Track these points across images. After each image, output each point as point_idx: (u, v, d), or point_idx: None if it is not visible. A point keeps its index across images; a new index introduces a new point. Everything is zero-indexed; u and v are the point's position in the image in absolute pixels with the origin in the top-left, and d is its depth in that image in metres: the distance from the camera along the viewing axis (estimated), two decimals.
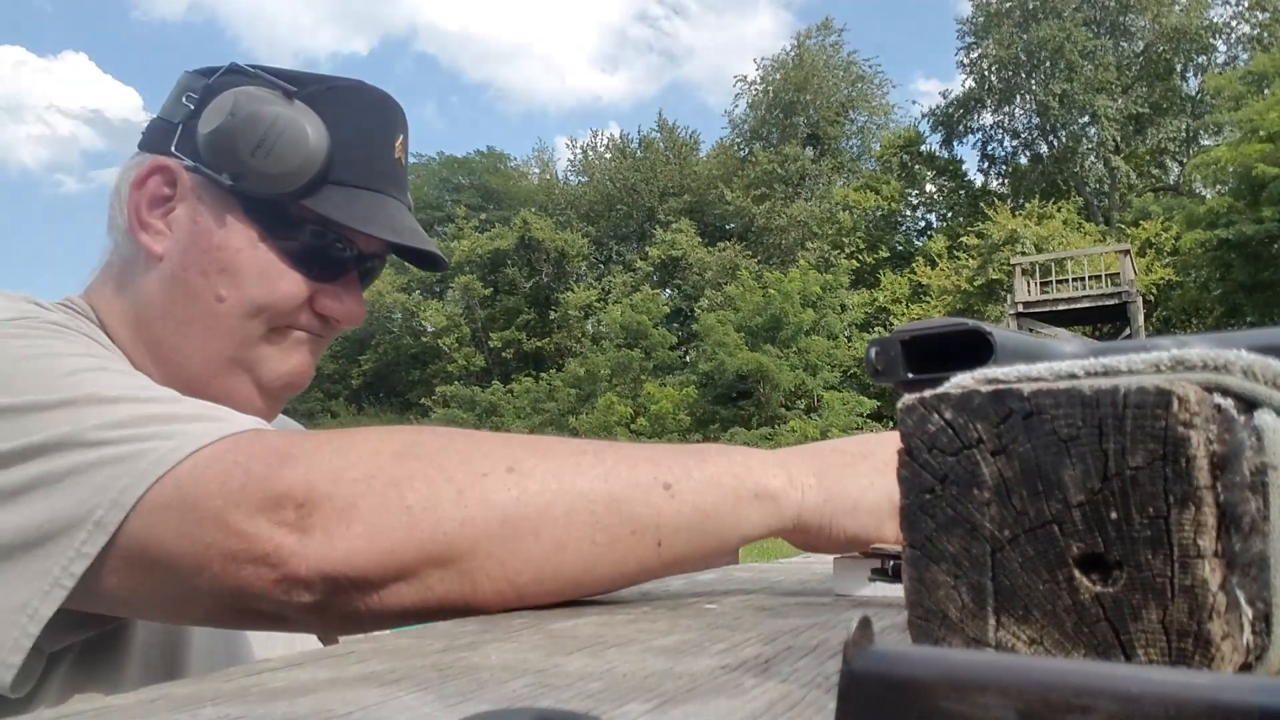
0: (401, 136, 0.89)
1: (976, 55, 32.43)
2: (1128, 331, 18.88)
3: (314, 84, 0.83)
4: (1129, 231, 25.12)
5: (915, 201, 33.67)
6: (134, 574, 0.56)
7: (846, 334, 25.73)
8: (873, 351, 0.43)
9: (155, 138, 0.84)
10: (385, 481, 0.55)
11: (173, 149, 0.82)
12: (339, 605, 0.55)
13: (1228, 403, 0.28)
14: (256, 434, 0.58)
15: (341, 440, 0.58)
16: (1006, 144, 33.65)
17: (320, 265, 0.84)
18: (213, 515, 0.54)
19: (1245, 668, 0.27)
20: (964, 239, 26.72)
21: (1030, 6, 30.49)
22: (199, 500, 0.55)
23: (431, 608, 0.55)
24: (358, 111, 0.85)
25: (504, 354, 32.24)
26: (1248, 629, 0.27)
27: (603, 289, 32.45)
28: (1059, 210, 26.28)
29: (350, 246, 0.85)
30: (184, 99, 0.83)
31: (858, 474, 0.64)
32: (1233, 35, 30.49)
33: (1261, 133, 19.93)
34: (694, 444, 0.65)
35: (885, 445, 0.67)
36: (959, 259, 26.56)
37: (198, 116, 0.81)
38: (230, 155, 0.79)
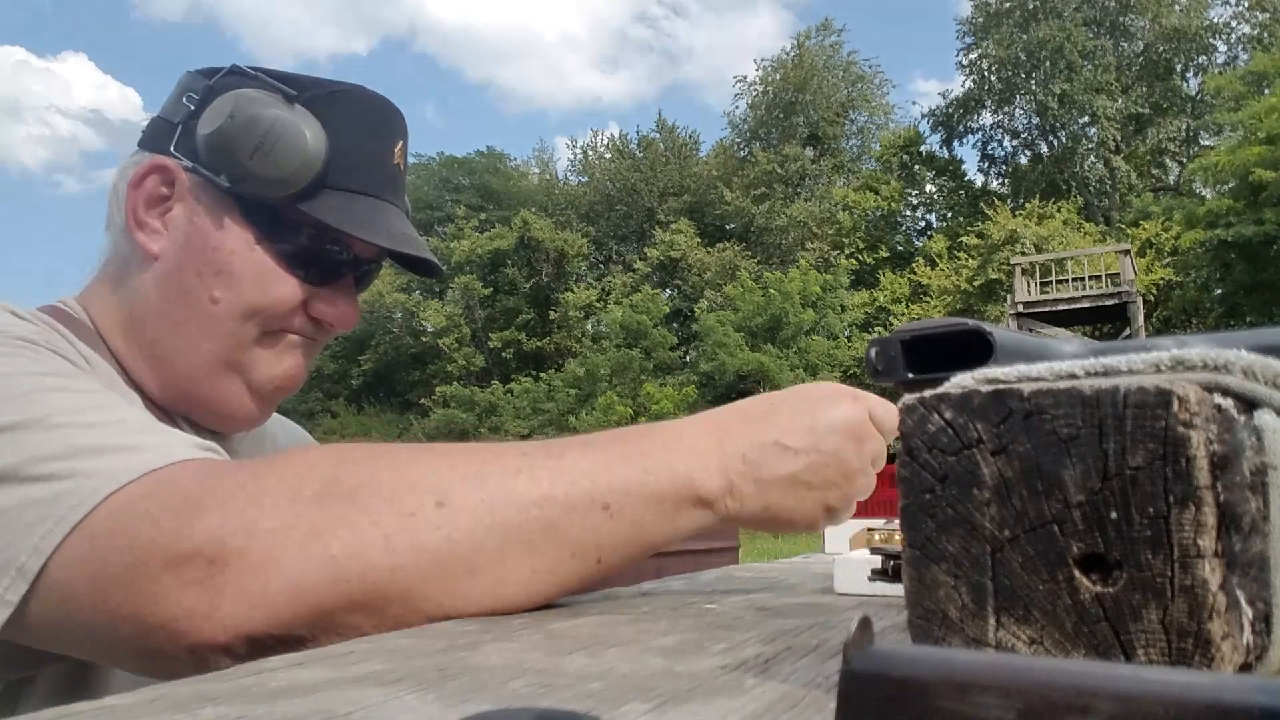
0: (401, 142, 0.89)
1: (976, 56, 32.42)
2: (1128, 331, 18.88)
3: (315, 88, 0.83)
4: (1129, 231, 25.10)
5: (915, 201, 33.66)
6: (57, 624, 0.54)
7: (846, 334, 25.72)
8: (873, 351, 0.43)
9: (154, 137, 0.84)
10: (306, 530, 0.52)
11: (172, 149, 0.82)
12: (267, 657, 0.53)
13: (1228, 403, 0.28)
14: (174, 474, 0.55)
15: (257, 484, 0.54)
16: (1006, 144, 33.68)
17: (316, 269, 0.84)
18: (122, 574, 0.52)
19: (1245, 668, 0.27)
20: (964, 239, 26.71)
21: (1030, 7, 30.48)
22: (109, 555, 0.52)
23: None
24: (358, 117, 0.85)
25: (504, 354, 32.24)
26: (1248, 629, 0.27)
27: (602, 289, 32.45)
28: (1059, 210, 26.27)
29: (346, 251, 0.85)
30: (184, 99, 0.83)
31: (795, 482, 0.64)
32: (1232, 35, 30.49)
33: (1260, 134, 19.93)
34: (638, 437, 0.62)
35: (827, 437, 0.65)
36: (959, 259, 26.56)
37: (198, 117, 0.81)
38: (229, 157, 0.79)
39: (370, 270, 0.90)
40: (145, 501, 0.53)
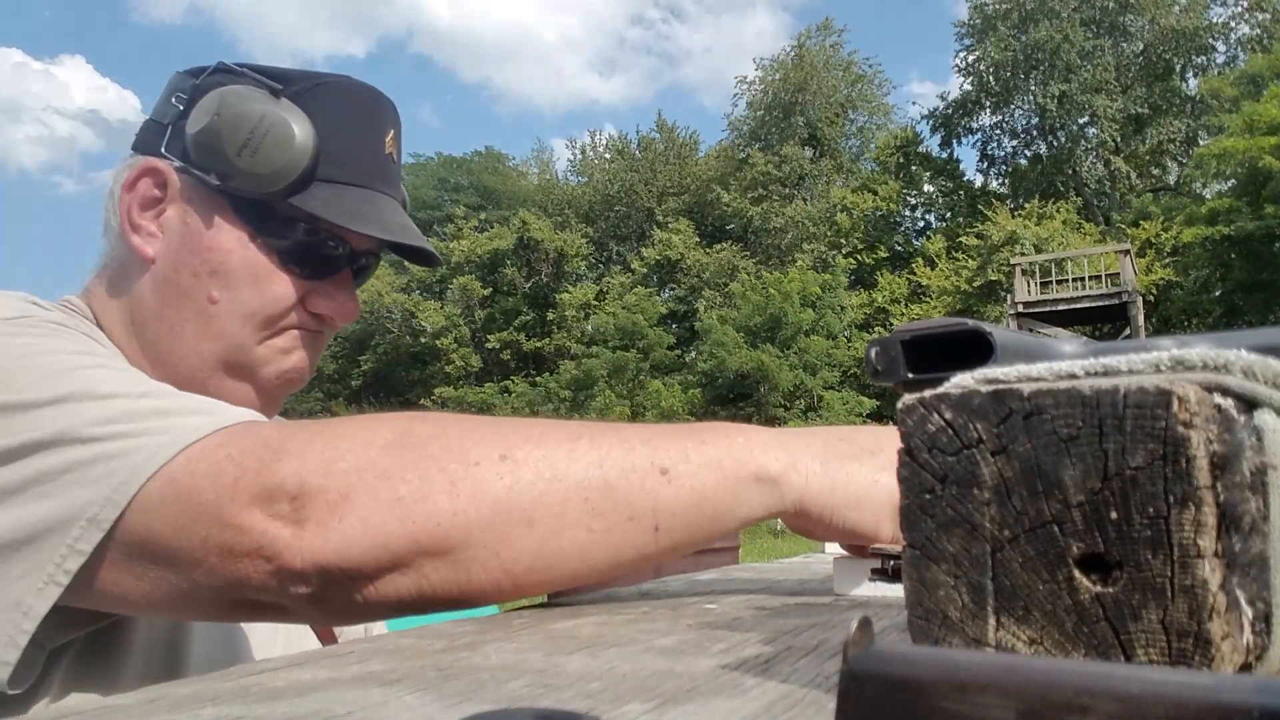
0: (392, 131, 0.89)
1: (974, 58, 32.37)
2: (1128, 331, 18.87)
3: (301, 81, 0.83)
4: (1129, 232, 25.09)
5: (914, 202, 33.61)
6: (131, 569, 0.56)
7: (846, 334, 25.72)
8: (873, 351, 0.43)
9: (146, 139, 0.84)
10: (377, 473, 0.54)
11: (162, 150, 0.82)
12: (335, 597, 0.55)
13: (1228, 403, 0.28)
14: (249, 426, 0.58)
15: (334, 431, 0.57)
16: (1005, 144, 33.64)
17: (312, 264, 0.84)
18: (207, 509, 0.54)
19: (1245, 668, 0.27)
20: (963, 239, 26.69)
21: (1028, 8, 30.43)
22: (193, 494, 0.54)
23: (428, 598, 0.55)
24: (345, 107, 0.85)
25: (501, 355, 32.21)
26: (1248, 629, 0.27)
27: (601, 289, 32.41)
28: (1059, 211, 26.24)
29: (341, 244, 0.85)
30: (173, 99, 0.83)
31: (864, 468, 0.62)
32: (1232, 36, 30.47)
33: (1261, 127, 19.94)
34: (697, 424, 0.63)
35: (890, 442, 0.65)
36: (958, 259, 26.54)
37: (186, 117, 0.81)
38: (217, 155, 0.79)
39: (368, 262, 0.90)
40: (225, 448, 0.56)
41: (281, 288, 0.83)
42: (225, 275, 0.81)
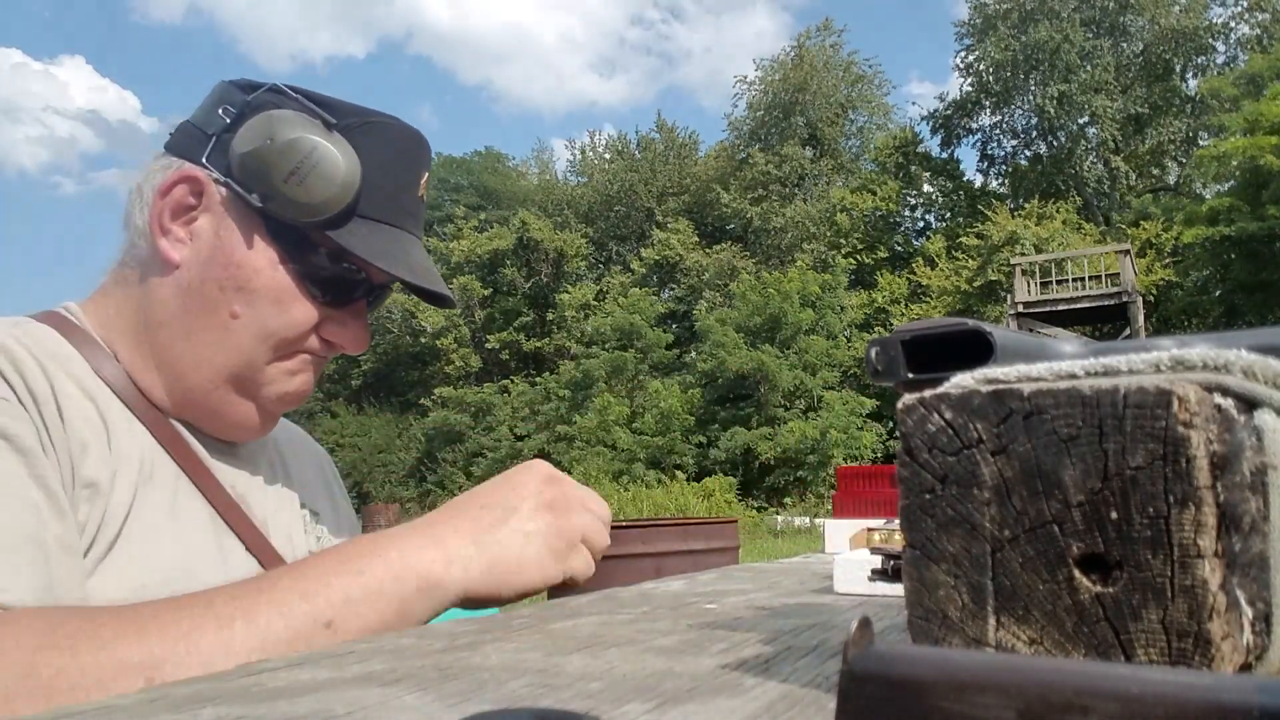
0: (426, 175, 0.91)
1: (974, 58, 32.36)
2: (1128, 331, 18.87)
3: (352, 116, 0.84)
4: (1129, 232, 25.08)
5: (914, 202, 33.58)
6: None
7: (846, 334, 25.71)
8: (873, 351, 0.43)
9: (185, 144, 0.84)
10: None
11: (204, 160, 0.82)
12: None
13: (1228, 403, 0.28)
14: None
15: None
16: (1005, 144, 33.62)
17: (333, 293, 0.85)
18: None
19: (1245, 668, 0.27)
20: (963, 239, 26.68)
21: (1028, 8, 30.42)
22: None
23: None
24: (390, 149, 0.86)
25: (501, 355, 32.20)
26: (1248, 629, 0.27)
27: (601, 289, 32.40)
28: (1059, 211, 26.23)
29: (364, 276, 0.86)
30: (220, 111, 0.83)
31: (513, 531, 0.66)
32: (1231, 36, 30.46)
33: (1264, 125, 19.94)
34: (348, 548, 0.64)
35: (527, 491, 0.69)
36: (958, 259, 26.52)
37: (233, 131, 0.81)
38: (264, 178, 0.79)
39: (383, 293, 0.91)
40: None
41: (302, 313, 0.84)
42: (251, 293, 0.82)
